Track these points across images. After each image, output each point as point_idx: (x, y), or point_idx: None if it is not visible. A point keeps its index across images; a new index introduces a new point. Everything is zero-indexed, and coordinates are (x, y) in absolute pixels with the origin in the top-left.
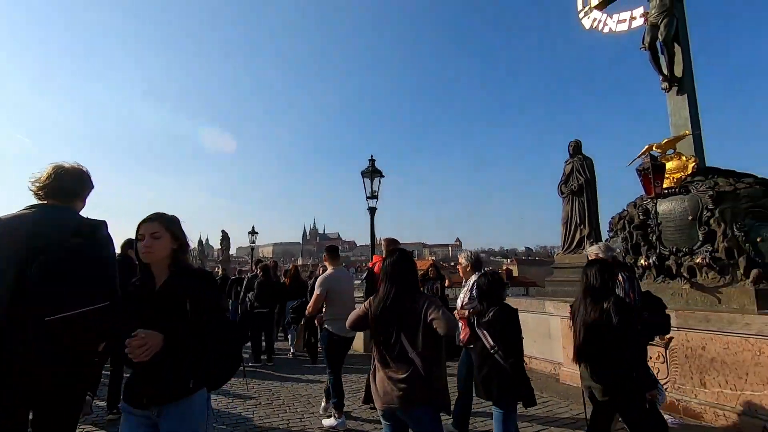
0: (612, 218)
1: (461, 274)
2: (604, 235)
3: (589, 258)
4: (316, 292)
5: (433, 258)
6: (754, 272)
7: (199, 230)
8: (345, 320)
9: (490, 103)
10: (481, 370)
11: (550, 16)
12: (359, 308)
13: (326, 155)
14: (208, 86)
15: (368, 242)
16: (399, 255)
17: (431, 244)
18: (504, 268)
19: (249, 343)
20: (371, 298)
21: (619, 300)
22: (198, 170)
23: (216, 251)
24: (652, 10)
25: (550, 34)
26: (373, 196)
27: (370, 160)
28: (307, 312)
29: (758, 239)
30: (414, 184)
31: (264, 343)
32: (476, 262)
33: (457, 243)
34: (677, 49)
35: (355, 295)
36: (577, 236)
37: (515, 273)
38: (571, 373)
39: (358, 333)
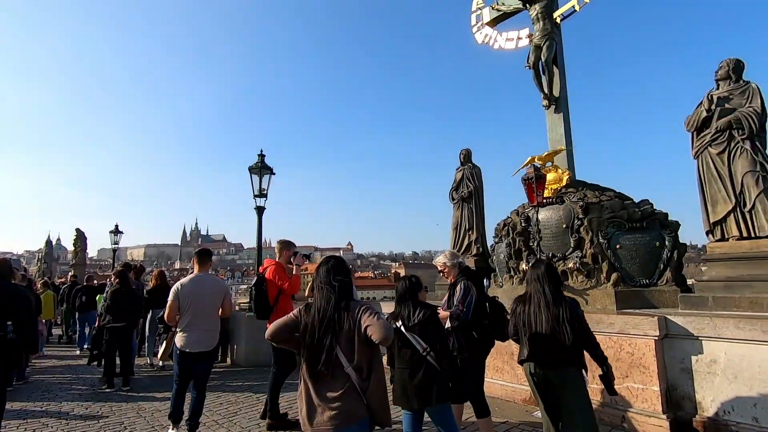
0: (497, 225)
1: (446, 276)
2: (490, 241)
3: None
4: (169, 299)
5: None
6: (614, 276)
7: (48, 228)
8: (200, 332)
9: (382, 111)
10: (414, 377)
11: (446, 25)
12: (285, 317)
13: (209, 150)
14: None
15: (256, 245)
16: (336, 261)
17: (323, 247)
18: (393, 271)
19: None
20: (301, 308)
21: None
22: (50, 156)
23: (69, 253)
24: (536, 33)
25: (447, 44)
26: (262, 194)
27: (259, 155)
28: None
29: (617, 246)
30: (304, 187)
31: (119, 364)
32: (460, 264)
33: (349, 247)
34: (556, 71)
35: (240, 302)
36: (466, 241)
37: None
38: None
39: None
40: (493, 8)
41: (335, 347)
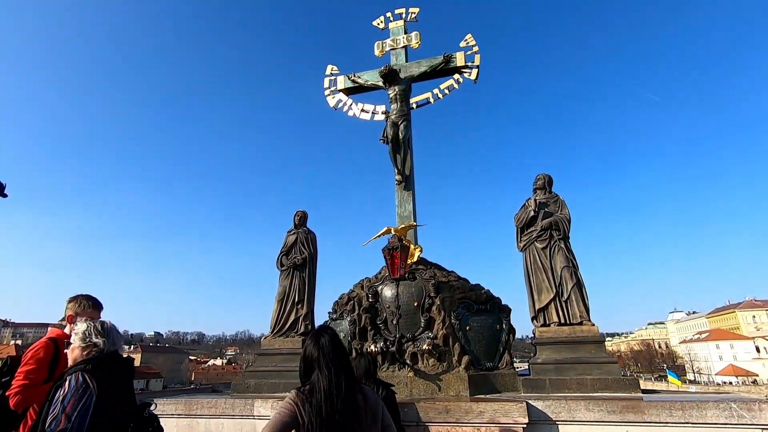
0: (340, 298)
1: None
2: (319, 317)
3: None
4: None
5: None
6: (465, 359)
7: None
8: None
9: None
10: None
11: (296, 89)
12: (278, 413)
13: None
14: None
15: None
16: (334, 332)
17: (19, 322)
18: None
19: None
20: (297, 395)
21: None
22: None
23: None
24: (394, 112)
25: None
26: None
27: None
28: None
29: (467, 327)
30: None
31: None
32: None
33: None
34: (409, 150)
35: None
36: (292, 316)
37: (137, 362)
38: None
39: None
40: (349, 78)
41: None
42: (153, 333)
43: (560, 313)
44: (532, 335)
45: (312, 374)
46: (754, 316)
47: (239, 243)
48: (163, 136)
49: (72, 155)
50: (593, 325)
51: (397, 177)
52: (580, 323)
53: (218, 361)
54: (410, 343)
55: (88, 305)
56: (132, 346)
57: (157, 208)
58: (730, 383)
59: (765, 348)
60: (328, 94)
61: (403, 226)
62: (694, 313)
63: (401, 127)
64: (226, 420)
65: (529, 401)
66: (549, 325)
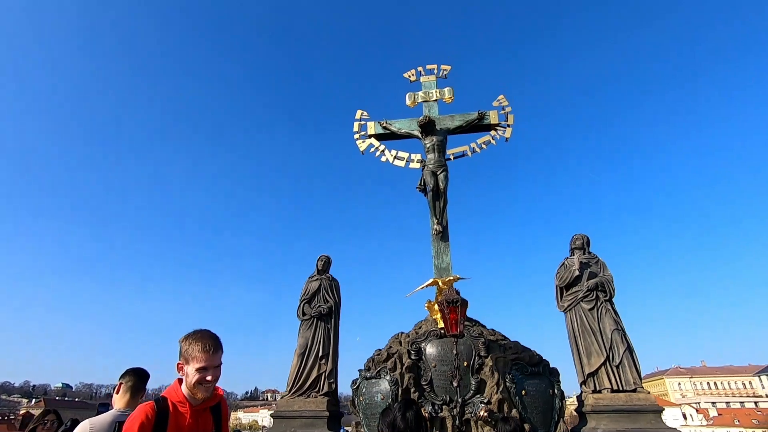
0: (377, 354)
1: None
2: (345, 376)
3: None
4: None
5: None
6: (526, 427)
7: None
8: None
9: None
10: None
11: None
12: None
13: None
14: None
15: None
16: (418, 407)
17: None
18: (23, 411)
19: None
20: None
21: None
22: None
23: None
24: (431, 162)
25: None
26: None
27: None
28: None
29: (523, 392)
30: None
31: None
32: None
33: None
34: (446, 201)
35: None
36: (314, 373)
37: None
38: None
39: None
40: (380, 124)
41: None
42: (60, 385)
43: (612, 378)
44: (578, 402)
45: None
46: (679, 383)
47: (174, 284)
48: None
49: None
50: (648, 393)
51: (437, 227)
52: (634, 390)
53: None
54: (458, 407)
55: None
56: (33, 400)
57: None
58: None
59: (690, 415)
60: (358, 138)
61: (450, 278)
62: None
63: (440, 177)
64: None
65: None
66: (600, 392)
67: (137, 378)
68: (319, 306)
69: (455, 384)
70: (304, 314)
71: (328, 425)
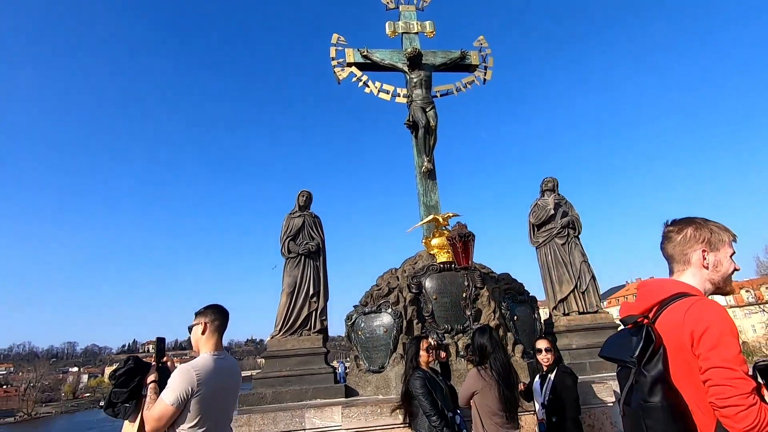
0: (374, 288)
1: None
2: (336, 312)
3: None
4: (176, 392)
5: None
6: (519, 348)
7: None
8: None
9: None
10: None
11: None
12: (468, 384)
13: None
14: None
15: None
16: (491, 328)
17: None
18: None
19: None
20: (478, 369)
21: None
22: None
23: None
24: (419, 98)
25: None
26: None
27: None
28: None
29: (515, 318)
30: None
31: None
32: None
33: None
34: (436, 138)
35: None
36: (305, 311)
37: None
38: None
39: None
40: (361, 53)
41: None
42: None
43: (579, 303)
44: (545, 324)
45: (487, 359)
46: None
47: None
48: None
49: None
50: (608, 312)
51: (427, 165)
52: (596, 312)
53: None
54: (461, 334)
55: None
56: None
57: None
58: None
59: None
60: (335, 66)
61: (449, 214)
62: None
63: (430, 114)
64: None
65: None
66: (569, 314)
67: (222, 317)
68: (307, 243)
69: (453, 315)
70: (290, 252)
71: (325, 361)
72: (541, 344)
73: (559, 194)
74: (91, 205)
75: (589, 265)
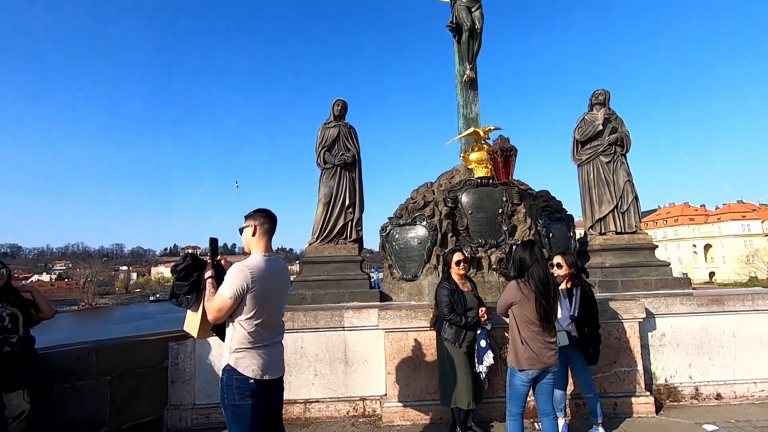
0: (411, 202)
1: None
2: (369, 224)
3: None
4: (234, 288)
5: None
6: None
7: None
8: (278, 347)
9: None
10: None
11: None
12: (507, 294)
13: None
14: None
15: None
16: (535, 242)
17: None
18: None
19: None
20: (518, 281)
21: None
22: None
23: None
24: None
25: None
26: None
27: None
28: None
29: (551, 235)
30: None
31: None
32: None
33: None
34: (481, 44)
35: None
36: (341, 221)
37: None
38: (403, 411)
39: None
40: None
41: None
42: None
43: (618, 222)
44: (579, 244)
45: (525, 271)
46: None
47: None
48: None
49: None
50: (647, 233)
51: (469, 73)
52: (635, 232)
53: (44, 277)
54: (494, 249)
55: None
56: None
57: None
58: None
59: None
60: None
61: (490, 127)
62: None
63: (476, 14)
64: (307, 334)
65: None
66: (606, 234)
67: (271, 221)
68: (343, 154)
69: (488, 229)
70: (326, 162)
71: (360, 268)
72: (555, 259)
73: (609, 109)
74: (138, 122)
75: (633, 185)
